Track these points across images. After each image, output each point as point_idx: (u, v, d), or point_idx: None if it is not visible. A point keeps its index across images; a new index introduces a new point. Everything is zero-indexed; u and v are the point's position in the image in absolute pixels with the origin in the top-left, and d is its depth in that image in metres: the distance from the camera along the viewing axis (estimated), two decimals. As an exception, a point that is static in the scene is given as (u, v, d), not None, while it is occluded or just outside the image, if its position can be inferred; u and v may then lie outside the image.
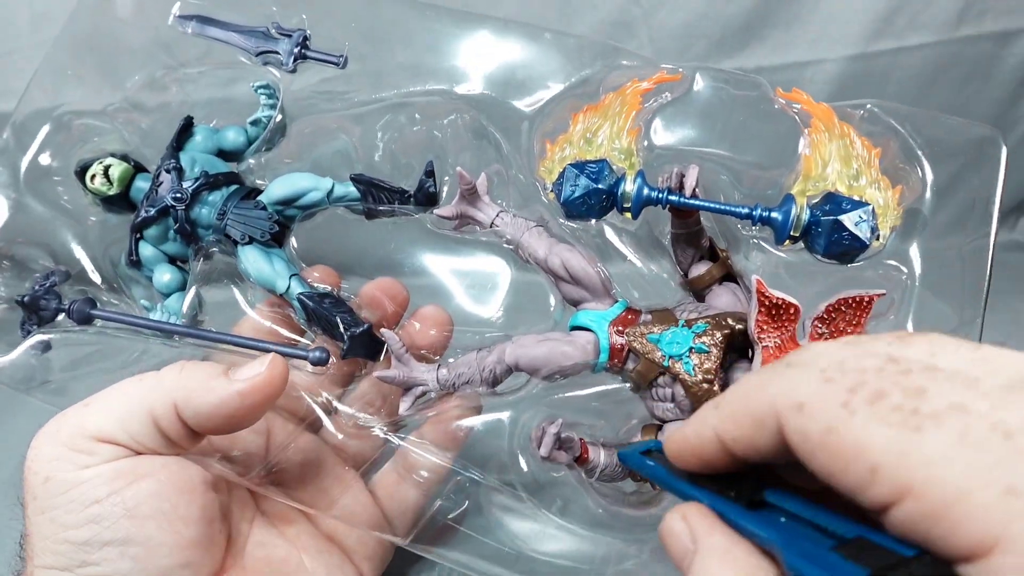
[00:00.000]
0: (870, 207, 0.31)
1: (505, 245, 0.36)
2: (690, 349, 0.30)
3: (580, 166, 0.34)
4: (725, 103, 0.36)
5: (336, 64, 0.40)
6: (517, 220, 0.36)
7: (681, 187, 0.32)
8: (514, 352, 0.32)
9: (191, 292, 0.37)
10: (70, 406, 0.28)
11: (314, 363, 0.33)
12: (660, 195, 0.32)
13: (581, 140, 0.35)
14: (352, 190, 0.37)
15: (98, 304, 0.37)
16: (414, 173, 0.38)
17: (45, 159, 0.40)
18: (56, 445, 0.27)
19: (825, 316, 0.29)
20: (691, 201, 0.32)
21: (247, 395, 0.27)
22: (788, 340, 0.29)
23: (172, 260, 0.39)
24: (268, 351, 0.32)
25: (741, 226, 0.34)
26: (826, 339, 0.29)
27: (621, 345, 0.31)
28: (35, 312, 0.37)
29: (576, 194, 0.33)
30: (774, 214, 0.32)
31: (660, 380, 0.31)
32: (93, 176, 0.37)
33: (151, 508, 0.27)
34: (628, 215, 0.34)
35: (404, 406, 0.33)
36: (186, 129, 0.40)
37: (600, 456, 0.32)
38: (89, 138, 0.41)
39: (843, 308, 0.29)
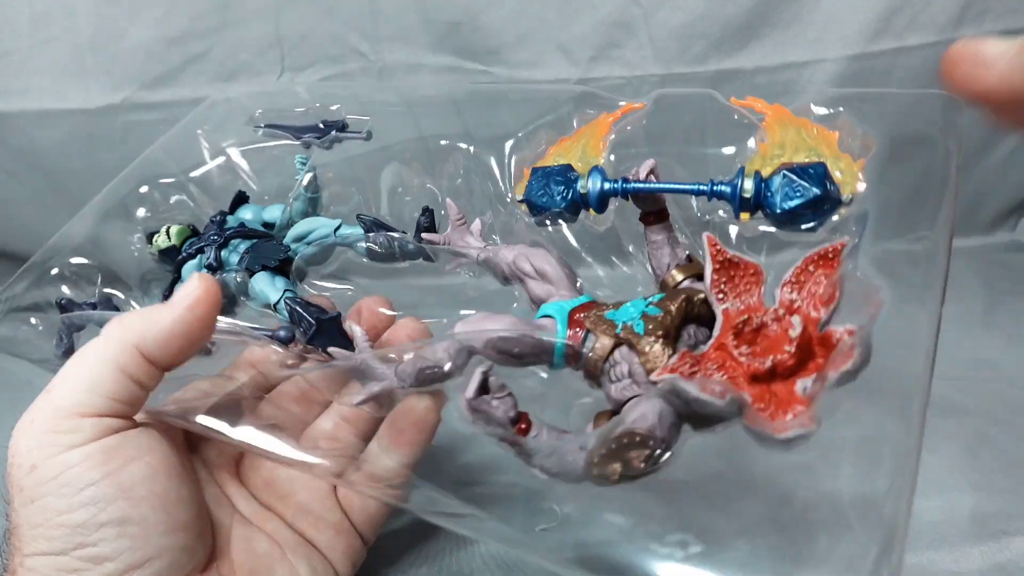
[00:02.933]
0: (823, 164, 0.30)
1: (482, 266, 0.38)
2: (643, 313, 0.28)
3: (544, 168, 0.37)
4: (680, 115, 0.38)
5: (363, 139, 0.47)
6: (499, 247, 0.37)
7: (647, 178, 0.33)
8: (464, 327, 0.31)
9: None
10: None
11: (281, 341, 0.35)
12: (615, 184, 0.34)
13: (559, 157, 0.37)
14: (358, 230, 0.43)
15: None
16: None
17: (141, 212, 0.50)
18: (35, 434, 0.27)
19: (793, 279, 0.27)
20: (645, 185, 0.33)
21: (194, 307, 0.28)
22: (755, 305, 0.28)
23: None
24: (241, 335, 0.34)
25: (702, 213, 0.35)
26: (798, 306, 0.27)
27: (577, 324, 0.30)
28: (71, 326, 0.42)
29: (535, 188, 0.36)
30: (724, 187, 0.32)
31: (616, 355, 0.29)
32: (157, 234, 0.46)
33: (146, 490, 0.27)
34: (592, 212, 0.35)
35: (356, 399, 0.32)
36: (240, 201, 0.47)
37: (544, 435, 0.28)
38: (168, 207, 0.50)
39: (811, 268, 0.27)
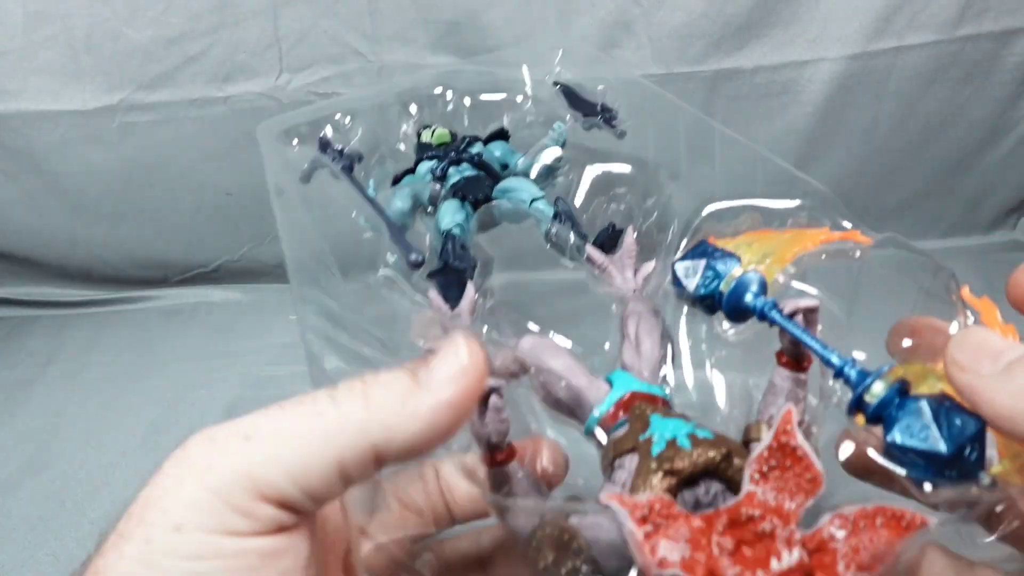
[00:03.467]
0: (981, 423, 0.23)
1: (618, 304, 0.35)
2: (673, 439, 0.25)
3: (711, 247, 0.31)
4: (887, 275, 0.32)
5: (616, 136, 0.48)
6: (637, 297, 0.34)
7: (792, 315, 0.28)
8: (531, 341, 0.29)
9: (410, 201, 0.46)
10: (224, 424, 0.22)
11: (409, 262, 0.35)
12: (757, 302, 0.28)
13: (742, 246, 0.31)
14: (550, 211, 0.43)
15: (353, 170, 0.47)
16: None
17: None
18: (203, 488, 0.20)
19: (850, 517, 0.22)
20: (782, 320, 0.27)
21: (456, 401, 0.21)
22: (786, 512, 0.22)
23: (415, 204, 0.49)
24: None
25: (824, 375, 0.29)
26: (833, 548, 0.22)
27: (624, 405, 0.28)
28: (324, 149, 0.48)
29: (686, 259, 0.31)
30: (853, 372, 0.26)
31: (627, 459, 0.26)
32: (428, 128, 0.49)
33: None
34: (724, 316, 0.30)
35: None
36: (498, 135, 0.49)
37: (519, 478, 0.26)
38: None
39: (877, 520, 0.22)
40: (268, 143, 0.53)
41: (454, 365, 0.21)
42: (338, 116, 0.52)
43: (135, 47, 0.67)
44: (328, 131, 0.50)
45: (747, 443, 0.26)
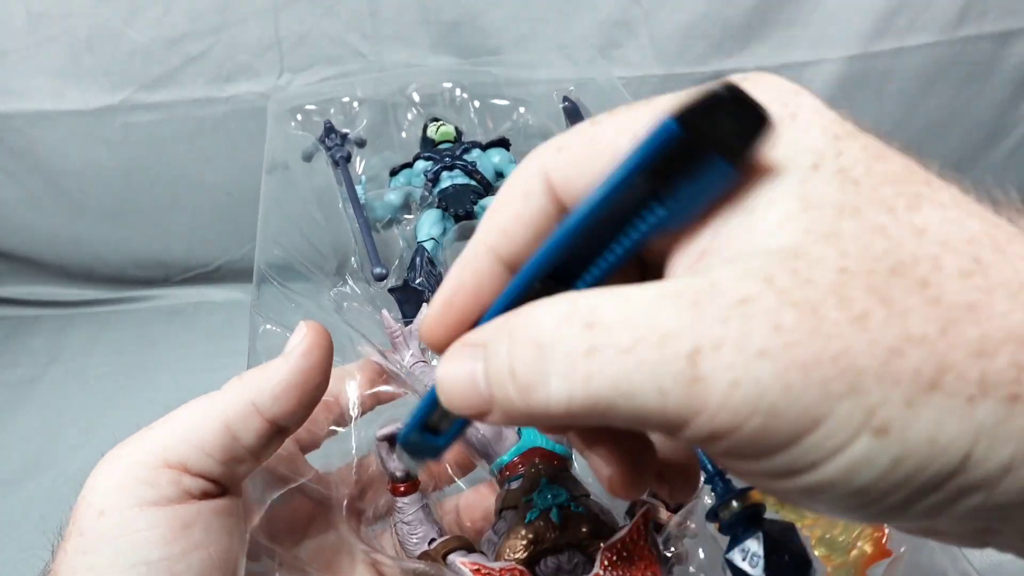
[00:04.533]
0: (808, 563, 0.25)
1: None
2: (548, 510, 0.27)
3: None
4: None
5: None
6: None
7: None
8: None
9: (401, 198, 0.48)
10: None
11: (374, 275, 0.39)
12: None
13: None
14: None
15: (351, 160, 0.50)
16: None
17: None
18: (116, 472, 0.23)
19: None
20: None
21: (308, 353, 0.25)
22: None
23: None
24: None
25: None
26: None
27: (525, 459, 0.29)
28: (328, 134, 0.51)
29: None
30: (718, 484, 0.28)
31: (510, 511, 0.28)
32: (435, 122, 0.52)
33: None
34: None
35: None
36: (499, 143, 0.51)
37: (415, 508, 0.28)
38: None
39: None
40: (275, 117, 0.53)
41: (298, 336, 0.26)
42: (347, 99, 0.53)
43: (137, 47, 0.68)
44: (333, 116, 0.51)
45: (631, 512, 0.28)
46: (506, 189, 0.18)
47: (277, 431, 0.26)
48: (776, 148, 0.15)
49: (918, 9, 0.69)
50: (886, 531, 0.29)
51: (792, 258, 0.13)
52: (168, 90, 0.70)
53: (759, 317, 0.13)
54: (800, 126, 0.15)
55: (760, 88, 0.16)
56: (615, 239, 0.16)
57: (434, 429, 0.21)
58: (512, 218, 0.18)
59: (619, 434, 0.19)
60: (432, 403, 0.20)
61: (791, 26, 0.69)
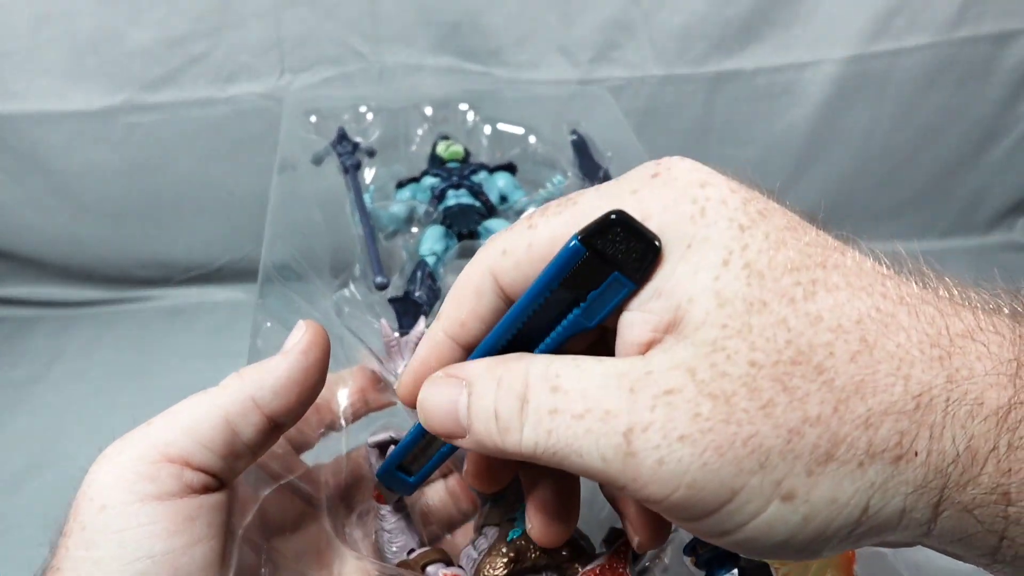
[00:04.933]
0: None
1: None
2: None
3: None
4: None
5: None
6: None
7: None
8: None
9: (406, 211, 0.49)
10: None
11: (376, 284, 0.41)
12: None
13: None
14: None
15: (361, 168, 0.51)
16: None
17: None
18: (117, 467, 0.24)
19: None
20: None
21: (307, 351, 0.26)
22: None
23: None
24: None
25: None
26: None
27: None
28: (340, 140, 0.51)
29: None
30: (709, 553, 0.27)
31: (487, 531, 0.28)
32: (445, 141, 0.53)
33: None
34: None
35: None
36: (506, 168, 0.52)
37: (395, 515, 0.29)
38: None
39: None
40: (291, 116, 0.53)
41: (297, 334, 0.27)
42: (362, 109, 0.54)
43: (138, 48, 0.68)
44: (346, 124, 0.51)
45: (609, 540, 0.28)
46: (460, 286, 0.22)
47: (274, 427, 0.26)
48: (691, 248, 0.17)
49: (917, 10, 0.69)
50: (855, 561, 0.29)
51: (711, 352, 0.16)
52: (169, 91, 0.70)
53: (681, 407, 0.16)
54: (708, 221, 0.17)
55: (668, 185, 0.18)
56: (552, 328, 0.19)
57: (406, 470, 0.26)
58: (468, 313, 0.22)
59: (557, 476, 0.23)
60: (407, 447, 0.25)
61: (790, 26, 0.70)
